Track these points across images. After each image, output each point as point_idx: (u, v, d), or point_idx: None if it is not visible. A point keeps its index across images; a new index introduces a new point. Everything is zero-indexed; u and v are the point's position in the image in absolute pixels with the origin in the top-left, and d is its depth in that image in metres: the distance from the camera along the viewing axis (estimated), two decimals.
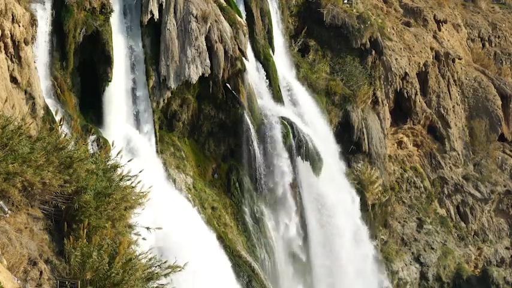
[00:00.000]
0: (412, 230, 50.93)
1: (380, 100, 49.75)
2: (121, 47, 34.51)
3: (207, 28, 36.38)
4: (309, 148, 39.99)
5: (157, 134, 35.89)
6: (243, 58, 38.20)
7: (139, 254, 14.09)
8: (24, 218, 13.72)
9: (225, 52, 36.88)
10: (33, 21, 29.13)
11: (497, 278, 51.50)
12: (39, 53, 31.02)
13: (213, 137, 38.72)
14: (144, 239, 15.29)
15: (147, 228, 15.59)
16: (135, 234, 15.40)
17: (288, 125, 39.60)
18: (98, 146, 30.03)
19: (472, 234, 54.37)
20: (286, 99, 42.51)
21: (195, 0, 36.29)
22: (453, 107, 56.14)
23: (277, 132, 39.01)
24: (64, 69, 32.49)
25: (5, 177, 13.33)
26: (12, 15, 26.95)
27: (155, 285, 14.20)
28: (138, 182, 15.62)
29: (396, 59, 51.34)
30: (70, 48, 32.35)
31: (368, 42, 48.98)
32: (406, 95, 52.47)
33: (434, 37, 57.01)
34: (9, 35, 27.14)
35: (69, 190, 14.30)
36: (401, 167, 52.76)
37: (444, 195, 54.29)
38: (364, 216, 45.08)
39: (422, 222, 51.53)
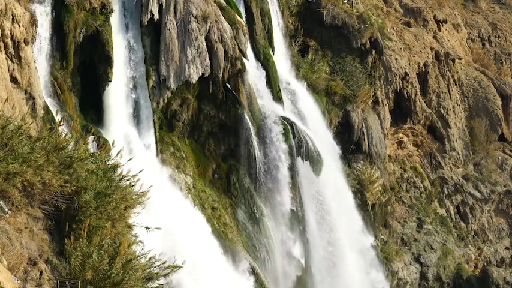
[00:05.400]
0: (412, 230, 50.92)
1: (380, 100, 49.74)
2: (121, 47, 34.51)
3: (207, 28, 36.38)
4: (309, 148, 39.98)
5: (157, 134, 35.89)
6: (243, 58, 38.20)
7: (139, 255, 14.08)
8: (24, 218, 13.72)
9: (225, 52, 36.88)
10: (33, 21, 29.14)
11: (497, 278, 51.47)
12: (39, 52, 31.02)
13: (213, 137, 38.72)
14: (141, 241, 15.27)
15: (147, 228, 15.58)
16: (133, 235, 15.39)
17: (288, 125, 39.59)
18: (98, 146, 30.02)
19: (472, 234, 54.36)
20: (286, 99, 42.50)
21: (195, 0, 36.29)
22: (453, 107, 56.13)
23: (277, 132, 39.00)
24: (64, 69, 32.50)
25: (5, 177, 13.31)
26: (12, 15, 26.96)
27: (155, 285, 14.20)
28: (137, 181, 15.60)
29: (396, 59, 51.34)
30: (70, 48, 32.36)
31: (368, 42, 48.97)
32: (406, 95, 52.46)
33: (434, 37, 57.00)
34: (9, 35, 27.16)
35: (69, 190, 14.29)
36: (401, 167, 52.74)
37: (444, 195, 54.27)
38: (364, 216, 45.08)
39: (422, 222, 51.51)
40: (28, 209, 13.93)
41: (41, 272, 12.81)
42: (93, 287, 13.10)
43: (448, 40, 59.13)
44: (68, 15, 32.07)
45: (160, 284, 14.30)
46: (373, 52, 49.51)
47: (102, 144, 30.24)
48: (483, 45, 64.99)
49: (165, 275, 14.33)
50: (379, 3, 56.31)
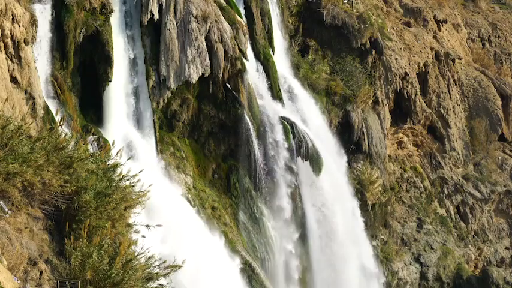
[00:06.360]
0: (412, 230, 50.92)
1: (380, 100, 49.74)
2: (121, 47, 34.53)
3: (207, 28, 36.39)
4: (309, 148, 39.98)
5: (157, 134, 35.90)
6: (243, 58, 38.21)
7: (139, 254, 14.08)
8: (24, 218, 13.72)
9: (225, 52, 36.89)
10: (33, 21, 29.14)
11: (497, 278, 51.47)
12: (39, 53, 31.02)
13: (213, 137, 38.73)
14: (143, 236, 15.28)
15: (147, 226, 15.59)
16: (135, 231, 15.38)
17: (288, 125, 39.60)
18: (98, 146, 30.02)
19: (472, 234, 54.35)
20: (286, 99, 42.50)
21: (195, 0, 36.29)
22: (453, 107, 56.13)
23: (277, 132, 39.02)
24: (64, 69, 32.51)
25: (5, 177, 13.31)
26: (12, 15, 26.97)
27: (155, 285, 14.20)
28: (137, 181, 15.60)
29: (396, 59, 51.34)
30: (70, 48, 32.37)
31: (368, 42, 48.97)
32: (406, 95, 52.47)
33: (434, 37, 57.00)
34: (9, 35, 27.16)
35: (69, 190, 14.28)
36: (401, 167, 52.74)
37: (444, 195, 54.27)
38: (364, 216, 45.08)
39: (422, 222, 51.52)
40: (28, 209, 13.93)
41: (41, 272, 12.82)
42: (93, 287, 13.10)
43: (448, 40, 59.14)
44: (68, 15, 32.08)
45: (160, 284, 14.30)
46: (373, 52, 49.52)
47: (102, 144, 30.24)
48: (483, 45, 65.00)
49: (165, 275, 14.34)
50: (379, 3, 56.31)
